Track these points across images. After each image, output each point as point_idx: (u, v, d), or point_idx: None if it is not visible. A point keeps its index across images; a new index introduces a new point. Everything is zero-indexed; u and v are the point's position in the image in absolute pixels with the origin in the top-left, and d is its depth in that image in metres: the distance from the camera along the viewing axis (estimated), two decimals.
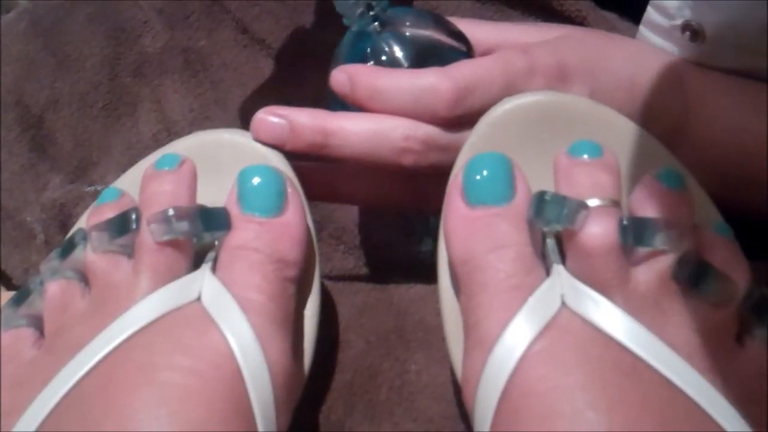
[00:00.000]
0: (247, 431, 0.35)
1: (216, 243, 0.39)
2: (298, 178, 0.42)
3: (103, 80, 0.55)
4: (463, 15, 0.52)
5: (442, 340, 0.38)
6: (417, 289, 0.45)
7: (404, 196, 0.44)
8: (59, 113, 0.55)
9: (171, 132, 0.55)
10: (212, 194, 0.41)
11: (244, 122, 0.49)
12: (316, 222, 0.42)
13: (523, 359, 0.32)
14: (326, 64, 0.44)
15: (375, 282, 0.46)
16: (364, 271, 0.51)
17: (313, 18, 0.55)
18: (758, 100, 0.43)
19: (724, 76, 0.44)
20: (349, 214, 0.50)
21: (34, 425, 0.34)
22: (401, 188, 0.44)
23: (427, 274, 0.39)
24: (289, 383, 0.37)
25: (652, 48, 0.45)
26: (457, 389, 0.36)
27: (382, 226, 0.51)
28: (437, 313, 0.38)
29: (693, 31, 0.43)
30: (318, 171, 0.44)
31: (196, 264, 0.38)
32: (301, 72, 0.54)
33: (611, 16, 0.51)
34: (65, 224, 0.51)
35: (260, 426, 0.35)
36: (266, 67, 0.55)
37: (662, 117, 0.42)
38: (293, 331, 0.39)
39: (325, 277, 0.47)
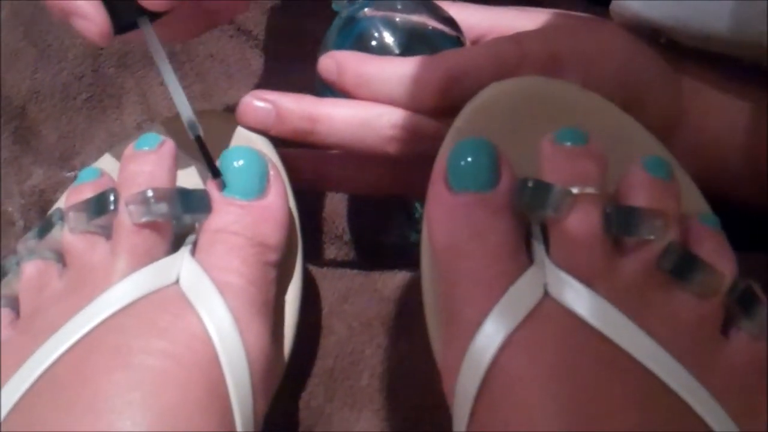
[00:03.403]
0: (223, 415, 0.34)
1: (197, 226, 0.38)
2: (284, 165, 0.41)
3: (86, 71, 0.54)
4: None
5: (425, 327, 0.37)
6: (401, 276, 0.44)
7: (392, 183, 0.44)
8: (41, 105, 0.54)
9: None
10: (195, 176, 0.40)
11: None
12: (298, 208, 0.41)
13: (503, 349, 0.32)
14: (313, 54, 0.44)
15: (358, 268, 0.45)
16: (344, 260, 0.50)
17: (300, 7, 0.55)
18: (754, 95, 0.42)
19: (720, 69, 0.43)
20: (329, 204, 0.50)
21: (8, 407, 0.34)
22: (388, 175, 0.44)
23: (412, 261, 0.38)
24: (268, 368, 0.37)
25: (645, 39, 0.44)
26: (439, 377, 0.36)
27: (364, 216, 0.50)
28: (421, 300, 0.37)
29: None
30: (304, 157, 0.44)
31: (176, 247, 0.38)
32: (288, 62, 0.53)
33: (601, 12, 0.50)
34: (45, 210, 0.50)
35: (236, 411, 0.34)
36: (252, 58, 0.55)
37: (656, 108, 0.41)
38: (273, 315, 0.38)
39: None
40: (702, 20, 0.39)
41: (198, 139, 0.38)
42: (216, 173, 0.38)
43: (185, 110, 0.38)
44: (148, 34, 0.38)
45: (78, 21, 0.37)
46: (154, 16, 0.38)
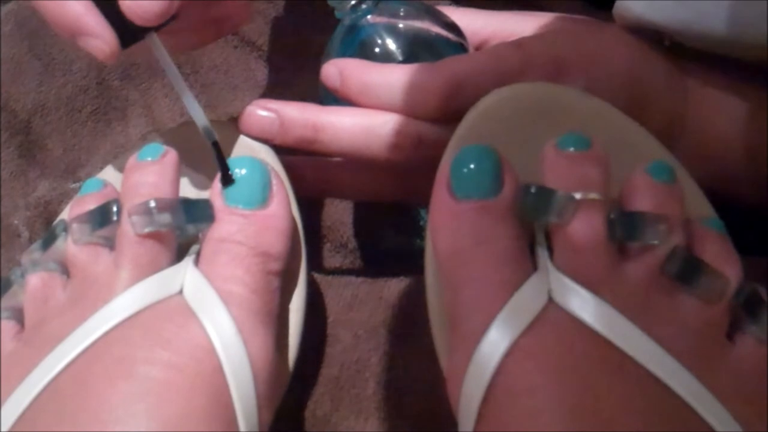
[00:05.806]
0: (227, 425, 0.34)
1: (200, 236, 0.38)
2: (288, 172, 0.41)
3: (90, 84, 0.54)
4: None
5: (430, 334, 0.37)
6: (407, 283, 0.44)
7: (396, 189, 0.44)
8: (46, 118, 0.54)
9: None
10: (198, 186, 0.40)
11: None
12: (302, 216, 0.41)
13: (507, 356, 0.32)
14: (316, 64, 0.44)
15: (363, 276, 0.45)
16: (349, 268, 0.50)
17: (303, 17, 0.55)
18: (758, 96, 0.42)
19: (724, 70, 0.43)
20: (333, 212, 0.50)
21: (12, 419, 0.34)
22: (393, 182, 0.44)
23: (417, 268, 0.38)
24: (272, 378, 0.37)
25: (649, 42, 0.44)
26: (445, 384, 0.35)
27: (369, 224, 0.50)
28: (427, 307, 0.37)
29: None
30: (308, 166, 0.44)
31: (180, 257, 0.38)
32: (291, 72, 0.53)
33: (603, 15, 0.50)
34: (50, 222, 0.50)
35: (241, 420, 0.34)
36: (257, 69, 0.55)
37: (659, 111, 0.41)
38: (278, 325, 0.38)
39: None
40: (704, 22, 0.39)
41: (215, 145, 0.38)
42: (227, 180, 0.38)
43: (199, 117, 0.38)
44: (155, 44, 0.38)
45: (86, 40, 0.37)
46: (157, 26, 0.38)
